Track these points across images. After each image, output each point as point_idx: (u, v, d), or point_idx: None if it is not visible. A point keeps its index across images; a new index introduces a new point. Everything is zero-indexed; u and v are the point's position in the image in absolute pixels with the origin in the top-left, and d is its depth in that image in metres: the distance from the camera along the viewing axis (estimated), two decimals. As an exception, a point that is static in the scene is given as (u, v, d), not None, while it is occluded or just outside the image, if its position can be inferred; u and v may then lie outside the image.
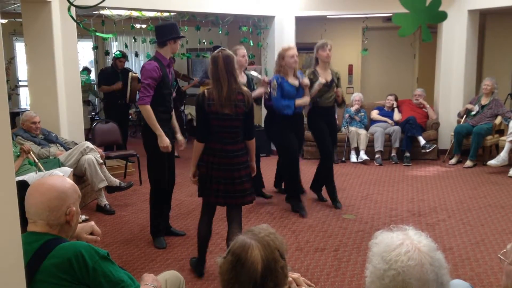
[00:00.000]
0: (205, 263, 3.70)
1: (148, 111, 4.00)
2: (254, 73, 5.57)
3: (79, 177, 5.17)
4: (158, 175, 4.19)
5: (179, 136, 4.40)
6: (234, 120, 3.38)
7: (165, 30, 4.12)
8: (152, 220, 4.31)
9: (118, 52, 7.58)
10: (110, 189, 5.29)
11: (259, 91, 5.20)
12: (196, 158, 3.50)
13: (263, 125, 5.61)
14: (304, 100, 4.92)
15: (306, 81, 4.93)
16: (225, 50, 3.44)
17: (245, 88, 3.45)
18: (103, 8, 6.57)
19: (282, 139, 5.01)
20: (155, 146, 4.05)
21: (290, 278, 1.69)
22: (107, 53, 8.27)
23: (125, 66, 7.62)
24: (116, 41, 11.01)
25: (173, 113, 4.32)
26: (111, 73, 7.43)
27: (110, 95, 7.37)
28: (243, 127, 3.45)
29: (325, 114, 5.20)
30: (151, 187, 4.27)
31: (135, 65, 11.05)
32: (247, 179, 3.49)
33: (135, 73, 7.65)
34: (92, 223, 2.22)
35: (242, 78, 5.27)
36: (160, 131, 4.02)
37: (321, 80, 4.98)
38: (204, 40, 7.72)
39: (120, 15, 7.12)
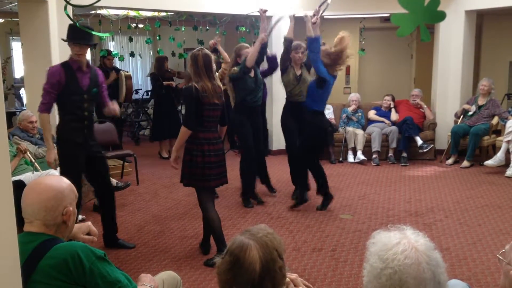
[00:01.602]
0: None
1: (42, 119, 3.80)
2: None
3: (76, 177, 5.14)
4: None
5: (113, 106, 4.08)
6: (219, 110, 3.84)
7: (70, 31, 3.86)
8: None
9: (104, 51, 7.53)
10: (107, 189, 5.26)
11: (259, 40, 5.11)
12: (181, 144, 3.80)
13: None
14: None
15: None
16: (203, 49, 3.79)
17: (219, 82, 3.91)
18: (100, 7, 6.55)
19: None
20: (61, 154, 3.89)
21: (288, 279, 1.69)
22: (103, 52, 8.12)
23: (113, 64, 7.57)
24: (113, 41, 10.97)
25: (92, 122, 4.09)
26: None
27: None
28: (221, 115, 3.90)
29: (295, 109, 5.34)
30: None
31: (131, 65, 11.02)
32: None
33: (127, 72, 7.62)
34: (89, 223, 2.21)
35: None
36: (49, 145, 3.86)
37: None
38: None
39: (117, 15, 7.11)
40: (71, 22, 3.45)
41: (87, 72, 3.86)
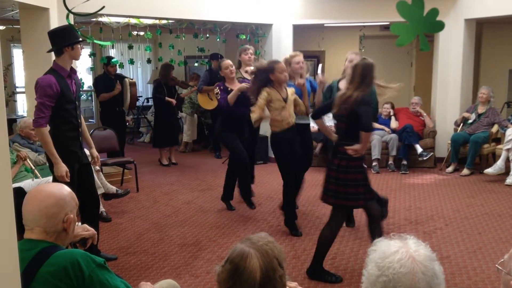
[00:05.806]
0: None
1: (43, 134, 3.53)
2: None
3: (76, 184, 5.14)
4: None
5: (94, 151, 4.07)
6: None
7: (60, 35, 3.60)
8: None
9: (104, 58, 7.53)
10: (106, 196, 5.27)
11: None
12: None
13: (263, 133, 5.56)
14: None
15: (301, 80, 4.84)
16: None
17: None
18: (101, 15, 6.58)
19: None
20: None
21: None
22: (103, 60, 8.04)
23: (117, 72, 7.59)
24: (113, 48, 11.00)
25: (84, 127, 3.92)
26: (106, 80, 7.40)
27: (107, 102, 7.35)
28: None
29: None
30: None
31: (132, 73, 11.05)
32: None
33: (132, 79, 7.63)
34: (85, 224, 2.21)
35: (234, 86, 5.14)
36: (56, 159, 3.54)
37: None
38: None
39: (118, 23, 7.13)
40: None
41: (73, 78, 3.71)
